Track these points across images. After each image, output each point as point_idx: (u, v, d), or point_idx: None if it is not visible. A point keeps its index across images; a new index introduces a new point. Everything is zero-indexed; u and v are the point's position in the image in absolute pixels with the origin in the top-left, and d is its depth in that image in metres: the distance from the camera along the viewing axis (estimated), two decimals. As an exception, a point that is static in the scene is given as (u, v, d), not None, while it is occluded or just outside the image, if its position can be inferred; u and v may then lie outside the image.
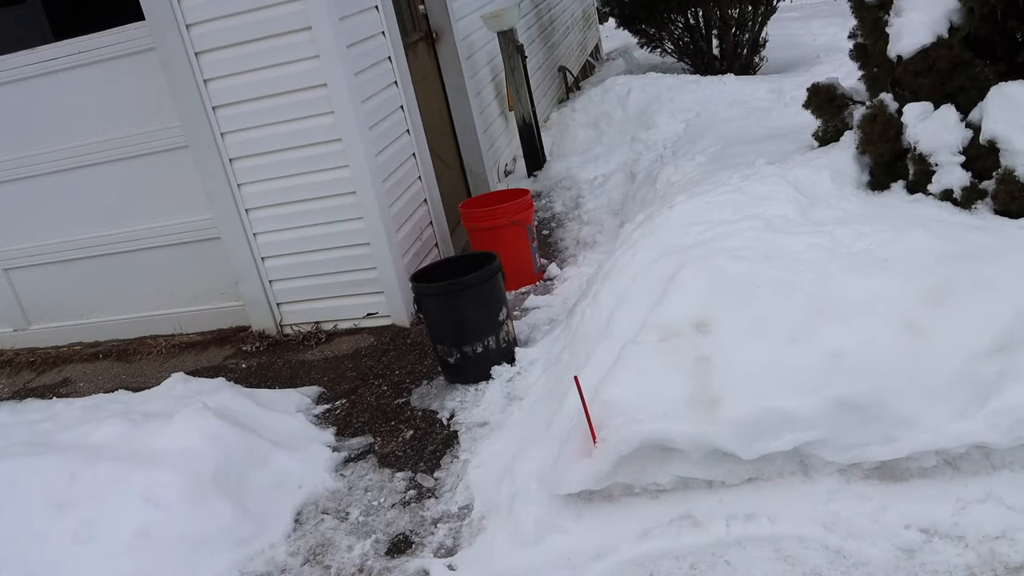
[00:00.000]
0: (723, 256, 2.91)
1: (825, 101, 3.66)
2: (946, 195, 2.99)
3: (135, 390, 4.02)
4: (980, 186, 2.92)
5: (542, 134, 6.49)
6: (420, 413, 3.51)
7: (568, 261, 4.78)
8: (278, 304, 4.47)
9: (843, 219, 3.01)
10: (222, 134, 4.10)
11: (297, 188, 4.16)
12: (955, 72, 3.08)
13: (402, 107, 4.54)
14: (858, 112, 3.39)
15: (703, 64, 8.46)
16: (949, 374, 2.38)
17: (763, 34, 8.45)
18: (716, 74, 7.32)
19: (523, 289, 4.51)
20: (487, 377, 3.59)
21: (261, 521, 2.93)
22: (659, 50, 8.85)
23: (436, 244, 4.81)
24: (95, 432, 3.27)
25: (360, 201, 4.11)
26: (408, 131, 4.59)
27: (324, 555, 2.78)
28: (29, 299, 4.94)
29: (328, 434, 3.46)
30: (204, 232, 4.45)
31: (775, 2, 8.31)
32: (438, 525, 2.81)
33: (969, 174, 2.95)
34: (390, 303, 4.31)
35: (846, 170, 3.34)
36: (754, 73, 8.29)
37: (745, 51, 8.41)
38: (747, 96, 6.00)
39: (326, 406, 3.73)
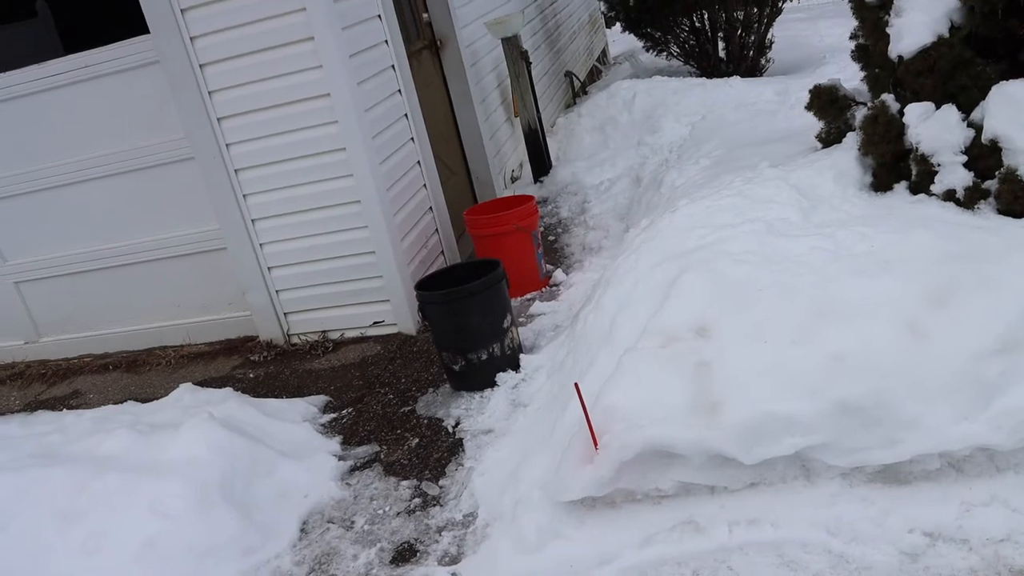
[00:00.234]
0: (724, 260, 2.90)
1: (827, 102, 3.65)
2: (949, 195, 2.97)
3: (144, 401, 4.05)
4: (983, 186, 2.90)
5: (549, 139, 6.49)
6: (426, 421, 3.52)
7: (574, 267, 4.78)
8: (285, 314, 4.49)
9: (845, 221, 3.00)
10: (227, 145, 4.14)
11: (302, 198, 4.18)
12: (956, 71, 3.06)
13: (406, 115, 4.56)
14: (860, 113, 3.38)
15: (709, 67, 8.45)
16: (952, 375, 2.36)
17: (769, 35, 8.43)
18: (722, 76, 7.30)
19: (529, 295, 4.52)
20: (492, 384, 3.59)
21: (267, 530, 2.94)
22: (665, 53, 8.84)
23: (442, 251, 4.82)
24: (103, 444, 3.29)
25: (364, 210, 4.13)
26: (412, 139, 4.60)
27: (329, 564, 2.79)
28: (40, 312, 4.99)
29: (334, 443, 3.48)
30: (211, 243, 4.48)
31: (780, 3, 8.30)
32: (442, 533, 2.82)
33: (972, 174, 2.94)
34: (396, 311, 4.33)
35: (849, 172, 3.32)
36: (760, 75, 8.27)
37: (751, 53, 8.39)
38: (753, 98, 5.98)
39: (332, 415, 3.74)
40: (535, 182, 6.27)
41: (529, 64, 6.10)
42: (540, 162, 6.30)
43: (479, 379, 3.60)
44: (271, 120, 4.04)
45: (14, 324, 5.05)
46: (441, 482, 3.09)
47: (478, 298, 3.54)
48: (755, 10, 8.12)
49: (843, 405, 2.38)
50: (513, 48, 6.00)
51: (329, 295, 4.39)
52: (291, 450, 3.34)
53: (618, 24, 9.37)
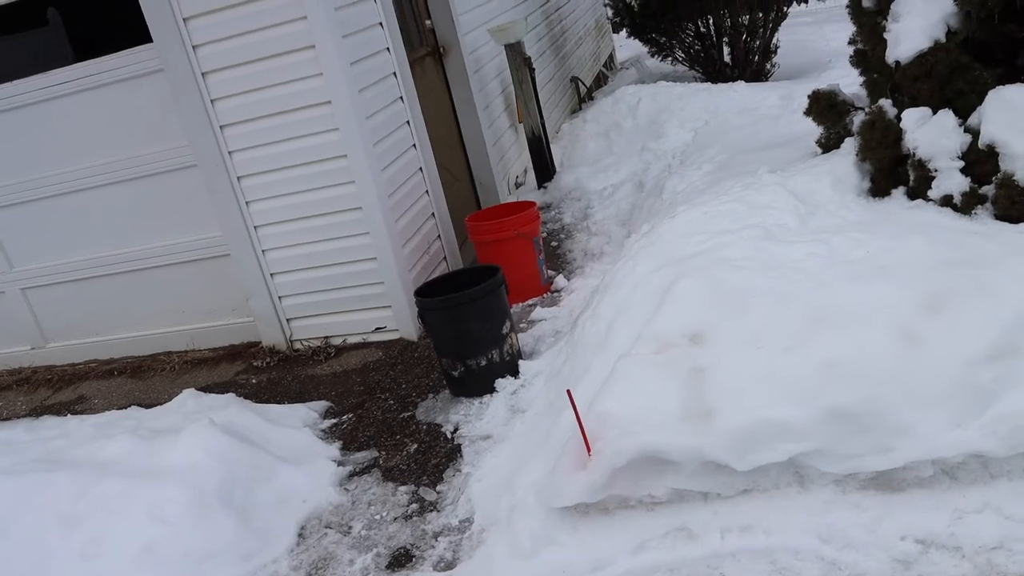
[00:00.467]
0: (721, 266, 2.90)
1: (826, 108, 3.64)
2: (946, 201, 2.97)
3: (147, 406, 4.07)
4: (980, 191, 2.90)
5: (553, 145, 6.51)
6: (425, 426, 3.53)
7: (576, 272, 4.79)
8: (288, 320, 4.52)
9: (842, 227, 3.00)
10: (229, 152, 4.17)
11: (304, 204, 4.20)
12: (953, 76, 3.06)
13: (408, 122, 4.58)
14: (858, 118, 3.37)
15: (714, 72, 8.45)
16: (946, 382, 2.35)
17: (774, 40, 8.42)
18: (727, 81, 7.30)
19: (530, 301, 4.53)
20: (491, 390, 3.60)
21: (265, 536, 2.96)
22: (670, 59, 8.84)
23: (444, 258, 4.84)
24: (105, 449, 3.32)
25: (365, 216, 4.15)
26: (414, 146, 4.62)
27: (326, 569, 2.80)
28: (46, 318, 5.03)
29: (334, 448, 3.49)
30: (215, 249, 4.51)
31: (786, 8, 8.29)
32: (439, 538, 2.82)
33: (968, 179, 2.93)
34: (398, 317, 4.34)
35: (847, 177, 3.32)
36: (766, 80, 8.27)
37: (756, 58, 8.39)
38: (757, 103, 5.98)
39: (333, 420, 3.76)
40: (539, 188, 6.29)
41: (533, 70, 6.12)
42: (544, 168, 6.31)
43: (478, 385, 3.61)
44: (273, 128, 4.07)
45: (21, 330, 5.09)
46: (438, 488, 3.10)
47: (477, 304, 3.55)
48: (760, 15, 8.13)
49: (837, 412, 2.38)
50: (516, 55, 6.02)
51: (331, 301, 4.41)
52: (291, 455, 3.36)
53: (624, 30, 9.38)
